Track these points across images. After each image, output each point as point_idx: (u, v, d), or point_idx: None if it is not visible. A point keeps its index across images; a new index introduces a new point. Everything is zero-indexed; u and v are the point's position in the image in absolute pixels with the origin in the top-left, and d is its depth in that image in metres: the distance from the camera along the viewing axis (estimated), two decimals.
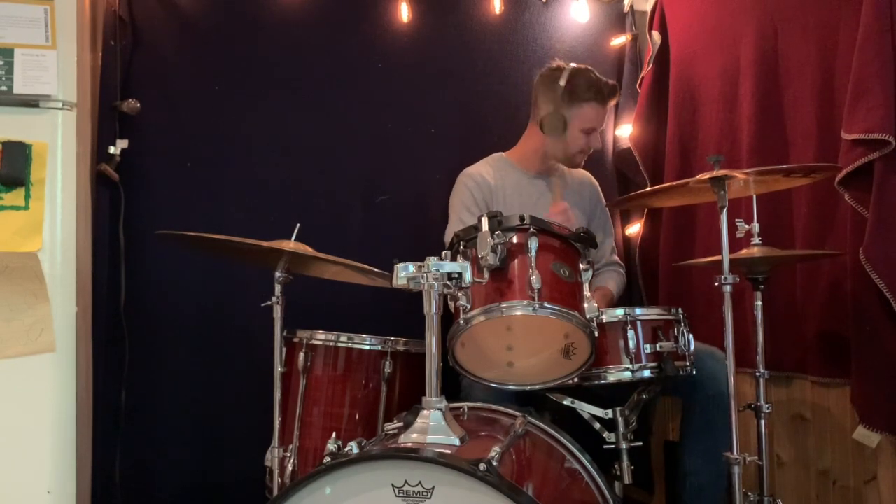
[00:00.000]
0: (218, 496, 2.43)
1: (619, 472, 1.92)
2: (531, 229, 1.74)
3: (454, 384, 2.06)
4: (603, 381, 1.87)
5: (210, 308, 2.47)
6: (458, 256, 1.77)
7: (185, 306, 2.45)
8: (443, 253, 1.80)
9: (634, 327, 1.88)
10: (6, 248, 1.79)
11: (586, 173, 2.60)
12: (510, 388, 1.85)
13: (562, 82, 2.32)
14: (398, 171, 2.65)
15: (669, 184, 2.02)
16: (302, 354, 2.06)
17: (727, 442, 1.76)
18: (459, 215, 2.36)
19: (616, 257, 2.62)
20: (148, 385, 2.39)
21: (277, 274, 1.89)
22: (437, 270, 1.47)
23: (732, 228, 1.84)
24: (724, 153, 2.09)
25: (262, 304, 1.88)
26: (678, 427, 2.25)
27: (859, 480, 2.11)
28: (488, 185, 2.40)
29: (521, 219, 1.76)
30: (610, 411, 1.95)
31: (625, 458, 1.92)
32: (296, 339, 2.09)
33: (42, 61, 1.82)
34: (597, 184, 2.62)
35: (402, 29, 2.69)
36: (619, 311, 1.88)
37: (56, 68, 1.83)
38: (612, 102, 2.46)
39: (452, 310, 1.77)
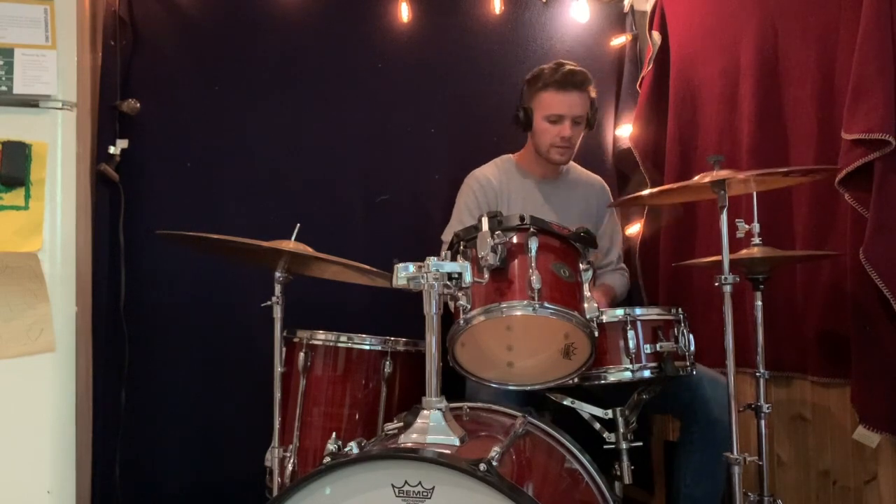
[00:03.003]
0: (218, 496, 2.44)
1: (619, 472, 1.92)
2: (531, 229, 1.74)
3: (456, 384, 2.06)
4: (603, 382, 1.86)
5: (210, 308, 2.47)
6: (458, 256, 1.77)
7: (185, 306, 2.45)
8: (442, 252, 1.80)
9: (634, 327, 1.87)
10: (6, 248, 1.80)
11: (598, 179, 2.59)
12: (510, 388, 1.85)
13: (528, 76, 2.37)
14: (398, 171, 2.65)
15: (669, 186, 2.02)
16: (302, 354, 2.06)
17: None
18: (460, 217, 2.37)
19: (623, 264, 2.60)
20: (148, 385, 2.39)
21: (277, 274, 1.89)
22: (437, 270, 1.46)
23: (732, 228, 1.83)
24: (724, 153, 2.08)
25: (262, 304, 1.88)
26: (678, 427, 2.25)
27: (859, 480, 2.11)
28: (493, 189, 2.40)
29: (521, 219, 1.76)
30: (610, 411, 1.95)
31: (625, 458, 1.92)
32: (296, 339, 2.09)
33: (42, 61, 1.82)
34: (608, 189, 2.59)
35: (402, 29, 2.69)
36: (619, 311, 1.88)
37: (56, 68, 1.84)
38: (578, 90, 2.29)
39: (452, 310, 1.77)
